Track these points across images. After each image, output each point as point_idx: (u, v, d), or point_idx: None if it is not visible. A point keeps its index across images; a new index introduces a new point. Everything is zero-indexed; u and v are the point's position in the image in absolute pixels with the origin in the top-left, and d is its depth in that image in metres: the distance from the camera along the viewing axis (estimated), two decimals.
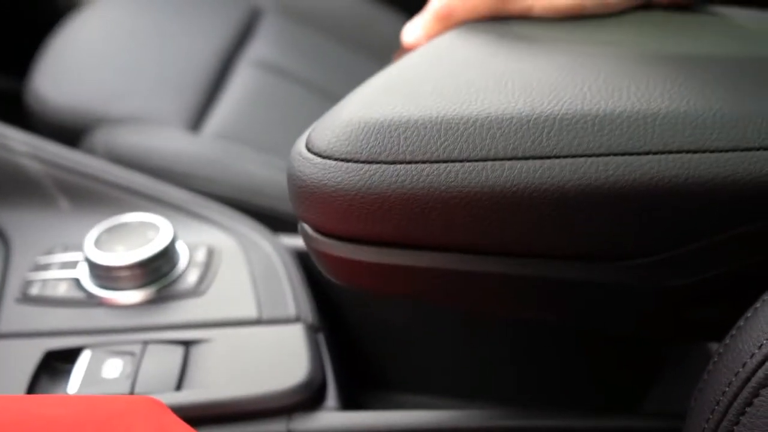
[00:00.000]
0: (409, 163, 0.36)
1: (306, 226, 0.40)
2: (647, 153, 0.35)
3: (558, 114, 0.36)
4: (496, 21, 0.45)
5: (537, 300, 0.40)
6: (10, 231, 0.59)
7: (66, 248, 0.57)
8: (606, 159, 0.35)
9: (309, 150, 0.38)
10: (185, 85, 0.85)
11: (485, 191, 0.35)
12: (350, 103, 0.38)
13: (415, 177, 0.35)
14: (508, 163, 0.35)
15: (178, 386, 0.48)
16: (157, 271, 0.54)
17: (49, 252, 0.57)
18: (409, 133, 0.36)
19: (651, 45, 0.41)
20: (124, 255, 0.53)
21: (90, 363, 0.49)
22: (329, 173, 0.36)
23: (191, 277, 0.55)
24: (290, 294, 0.55)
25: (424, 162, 0.35)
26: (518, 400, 0.66)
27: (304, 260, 0.60)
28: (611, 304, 0.40)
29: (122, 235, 0.55)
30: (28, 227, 0.59)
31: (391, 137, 0.36)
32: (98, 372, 0.48)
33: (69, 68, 0.86)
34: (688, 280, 0.37)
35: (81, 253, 0.56)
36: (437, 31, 0.47)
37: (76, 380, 0.48)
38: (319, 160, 0.37)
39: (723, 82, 0.37)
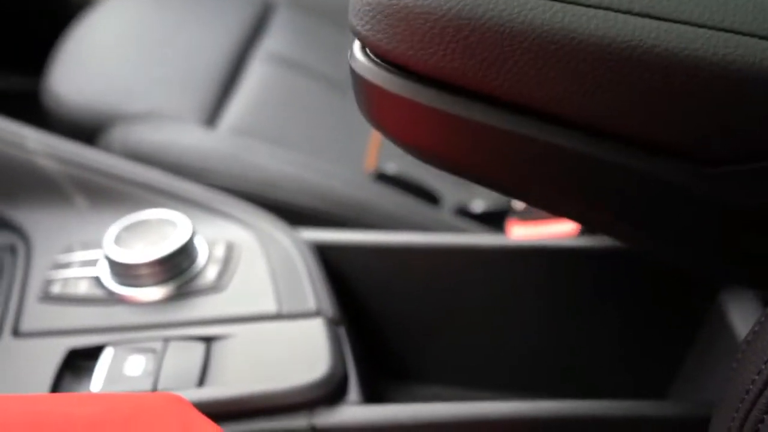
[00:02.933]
0: None
1: (360, 52, 0.35)
2: None
3: None
4: None
5: (606, 194, 0.36)
6: (30, 230, 0.59)
7: (85, 246, 0.57)
8: (727, 35, 0.32)
9: None
10: (200, 81, 0.85)
11: (592, 41, 0.31)
12: None
13: (516, 10, 0.31)
14: (622, 17, 0.32)
15: (200, 382, 0.48)
16: (176, 267, 0.54)
17: (69, 250, 0.57)
18: None
19: None
20: (143, 252, 0.53)
21: (112, 361, 0.49)
22: None
23: (211, 273, 0.55)
24: (310, 288, 0.55)
25: None
26: (541, 390, 0.65)
27: (323, 253, 0.60)
28: (680, 214, 0.36)
29: (141, 232, 0.55)
30: (47, 226, 0.59)
31: None
32: (121, 369, 0.48)
33: (84, 66, 0.87)
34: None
35: (101, 251, 0.56)
36: None
37: (99, 378, 0.48)
38: None
39: None
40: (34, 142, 0.61)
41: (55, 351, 0.50)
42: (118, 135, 0.78)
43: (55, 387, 0.48)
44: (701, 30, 0.32)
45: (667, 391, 0.64)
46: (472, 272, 0.62)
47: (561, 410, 0.49)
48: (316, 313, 0.53)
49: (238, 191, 0.70)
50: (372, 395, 0.53)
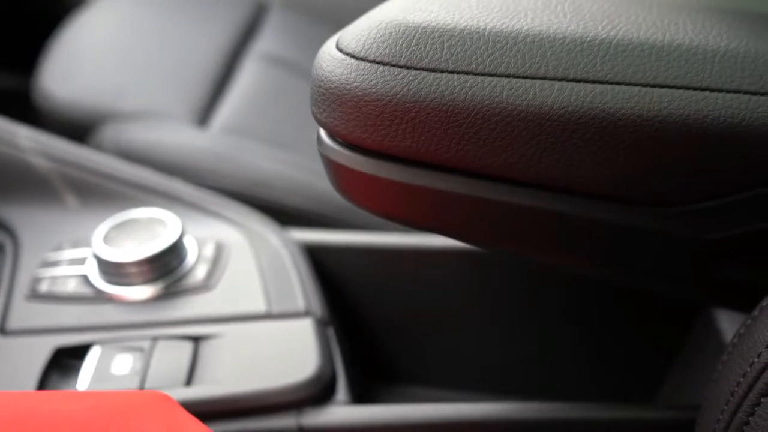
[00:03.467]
0: (452, 72, 0.34)
1: (325, 136, 0.38)
2: (704, 89, 0.33)
3: (613, 39, 0.34)
4: None
5: (573, 243, 0.38)
6: (18, 228, 0.59)
7: (75, 244, 0.57)
8: (661, 91, 0.33)
9: (340, 50, 0.35)
10: (192, 80, 0.85)
11: (531, 111, 0.33)
12: (388, 7, 0.36)
13: (457, 88, 0.33)
14: (557, 84, 0.33)
15: (188, 381, 0.48)
16: (165, 266, 0.54)
17: (58, 248, 0.57)
18: (454, 41, 0.34)
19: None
20: (132, 251, 0.53)
21: (99, 359, 0.49)
22: (362, 76, 0.34)
23: (200, 272, 0.55)
24: (299, 288, 0.55)
25: (467, 73, 0.33)
26: (529, 393, 0.65)
27: (312, 254, 0.60)
28: (646, 254, 0.38)
29: (130, 231, 0.55)
30: (36, 224, 0.59)
31: (433, 44, 0.34)
32: (108, 368, 0.48)
33: (76, 64, 0.86)
34: (729, 233, 0.36)
35: (89, 250, 0.55)
36: None
37: (85, 376, 0.48)
38: (351, 60, 0.35)
39: None
40: (26, 140, 0.61)
41: (42, 349, 0.49)
42: (110, 133, 0.77)
43: (42, 385, 0.48)
44: (635, 88, 0.33)
45: (656, 395, 0.64)
46: (462, 274, 0.62)
47: (548, 412, 0.49)
48: (305, 314, 0.53)
49: (229, 191, 0.70)
50: (360, 396, 0.53)
